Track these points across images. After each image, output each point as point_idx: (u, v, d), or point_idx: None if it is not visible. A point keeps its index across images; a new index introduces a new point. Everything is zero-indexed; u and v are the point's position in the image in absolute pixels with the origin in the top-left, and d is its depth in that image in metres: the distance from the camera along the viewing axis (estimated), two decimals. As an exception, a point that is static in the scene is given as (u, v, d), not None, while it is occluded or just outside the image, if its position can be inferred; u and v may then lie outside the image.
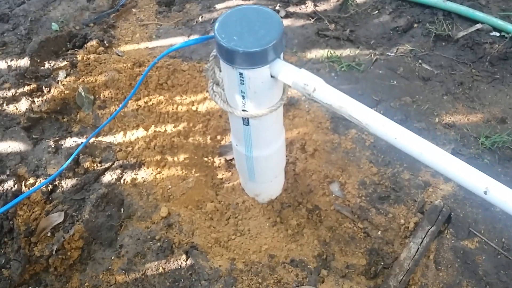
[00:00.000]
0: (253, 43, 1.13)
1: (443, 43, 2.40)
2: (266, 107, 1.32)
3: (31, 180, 1.86)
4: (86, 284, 1.63)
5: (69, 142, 2.01)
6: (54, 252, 1.65)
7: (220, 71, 1.32)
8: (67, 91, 2.09)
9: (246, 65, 1.16)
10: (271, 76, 1.23)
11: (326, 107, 1.27)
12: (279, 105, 1.35)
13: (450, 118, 2.10)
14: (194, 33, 2.51)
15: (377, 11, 2.58)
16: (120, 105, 1.65)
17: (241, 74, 1.19)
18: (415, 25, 2.49)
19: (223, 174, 1.98)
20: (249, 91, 1.25)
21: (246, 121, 1.39)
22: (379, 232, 1.75)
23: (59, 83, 2.13)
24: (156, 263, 1.64)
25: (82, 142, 1.97)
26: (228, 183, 1.94)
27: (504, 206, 1.04)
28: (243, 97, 1.28)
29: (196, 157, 1.99)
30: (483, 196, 1.05)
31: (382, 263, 1.69)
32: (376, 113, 1.14)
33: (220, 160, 2.01)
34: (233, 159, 1.93)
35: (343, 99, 1.16)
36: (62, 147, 1.99)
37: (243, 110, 1.33)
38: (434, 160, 1.08)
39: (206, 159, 2.01)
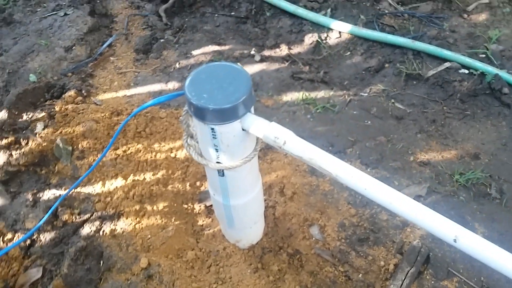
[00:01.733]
0: (223, 99, 1.16)
1: (414, 82, 2.47)
2: (240, 159, 1.34)
3: (9, 235, 1.84)
4: None
5: (48, 194, 2.00)
6: (32, 310, 1.62)
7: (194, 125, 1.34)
8: (45, 143, 2.10)
9: (217, 121, 1.19)
10: (243, 130, 1.25)
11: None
12: (253, 155, 1.37)
13: (425, 156, 2.14)
14: (171, 79, 2.55)
15: (349, 53, 2.66)
16: (97, 159, 1.66)
17: (212, 129, 1.22)
18: (387, 65, 2.57)
19: (203, 221, 1.98)
20: (222, 145, 1.27)
21: (221, 172, 1.41)
22: (360, 275, 1.76)
23: (37, 135, 2.14)
24: (136, 317, 1.62)
25: (60, 195, 1.97)
26: (209, 230, 1.93)
27: (474, 253, 1.06)
28: (217, 150, 1.30)
29: (175, 204, 1.99)
30: (453, 244, 1.07)
31: (364, 307, 1.69)
32: (345, 164, 1.17)
33: (200, 206, 2.01)
34: (212, 205, 1.94)
35: (313, 151, 1.19)
36: (41, 200, 1.98)
37: (218, 162, 1.35)
38: (403, 209, 1.11)
39: (185, 206, 2.01)
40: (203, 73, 1.24)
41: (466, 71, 2.47)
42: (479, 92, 2.37)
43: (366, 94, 2.42)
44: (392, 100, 2.38)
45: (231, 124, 1.20)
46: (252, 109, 1.27)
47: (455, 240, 1.07)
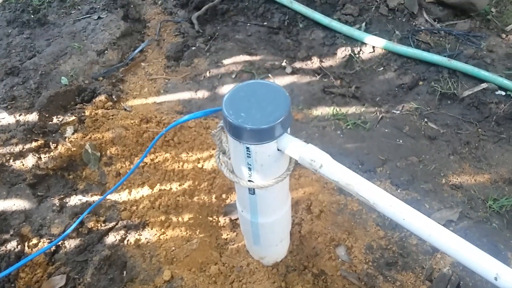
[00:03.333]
0: (261, 119, 1.14)
1: (449, 102, 2.41)
2: (272, 178, 1.31)
3: (35, 241, 1.84)
4: None
5: (74, 200, 2.01)
6: (54, 317, 1.62)
7: (227, 141, 1.32)
8: (74, 148, 2.10)
9: (254, 141, 1.16)
10: (278, 150, 1.22)
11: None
12: (286, 175, 1.34)
13: (457, 179, 2.08)
14: (201, 88, 2.54)
15: (382, 68, 2.61)
16: (129, 171, 1.65)
17: (248, 148, 1.19)
18: (420, 82, 2.51)
19: (227, 235, 1.95)
20: (255, 164, 1.25)
21: (252, 191, 1.38)
22: (387, 301, 1.71)
23: (66, 139, 2.14)
24: (157, 330, 1.60)
25: (87, 201, 1.97)
26: (233, 244, 1.91)
27: (517, 293, 1.01)
28: (250, 169, 1.28)
29: (200, 216, 1.97)
30: (494, 282, 1.03)
31: (390, 334, 1.64)
32: (384, 192, 1.13)
33: (225, 219, 1.99)
34: (237, 218, 1.91)
35: (351, 177, 1.15)
36: (67, 205, 1.98)
37: (249, 181, 1.32)
38: (443, 243, 1.06)
39: (210, 218, 1.99)
40: (241, 91, 1.21)
41: (503, 93, 2.40)
42: (515, 115, 2.30)
43: (398, 112, 2.37)
44: (425, 119, 2.32)
45: (267, 144, 1.18)
46: (289, 129, 1.24)
47: (496, 278, 1.02)
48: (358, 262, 1.80)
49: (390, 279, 1.75)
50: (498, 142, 2.23)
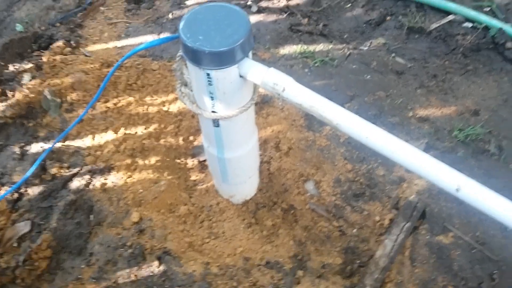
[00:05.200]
0: (220, 42, 1.09)
1: (416, 36, 2.39)
2: (236, 108, 1.28)
3: (-4, 189, 1.78)
4: (55, 295, 1.57)
5: (35, 147, 1.94)
6: (21, 263, 1.58)
7: (188, 71, 1.27)
8: (33, 95, 2.01)
9: (214, 66, 1.12)
10: (240, 76, 1.18)
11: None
12: (250, 105, 1.31)
13: (424, 112, 2.09)
14: (164, 30, 2.45)
15: (350, 4, 2.56)
16: (83, 111, 1.59)
17: (208, 75, 1.15)
18: (388, 18, 2.48)
19: (196, 176, 1.93)
20: (217, 92, 1.21)
21: (216, 123, 1.35)
22: (355, 230, 1.74)
23: (24, 86, 2.05)
24: (127, 270, 1.59)
25: (48, 148, 1.90)
26: (202, 185, 1.89)
27: (476, 203, 1.03)
28: (212, 98, 1.24)
29: (168, 159, 1.94)
30: (455, 194, 1.04)
31: (358, 262, 1.67)
32: (347, 112, 1.11)
33: (193, 161, 1.96)
34: (206, 160, 1.89)
35: (314, 98, 1.13)
36: (28, 153, 1.91)
37: (213, 112, 1.29)
38: (405, 158, 1.06)
39: (178, 161, 1.96)
40: (199, 14, 1.16)
41: (470, 25, 2.39)
42: (482, 46, 2.30)
43: (366, 48, 2.34)
44: (393, 54, 2.31)
45: (227, 69, 1.14)
46: (251, 54, 1.20)
47: (457, 190, 1.03)
48: (327, 195, 1.81)
49: (357, 209, 1.77)
50: (464, 74, 2.24)
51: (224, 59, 1.11)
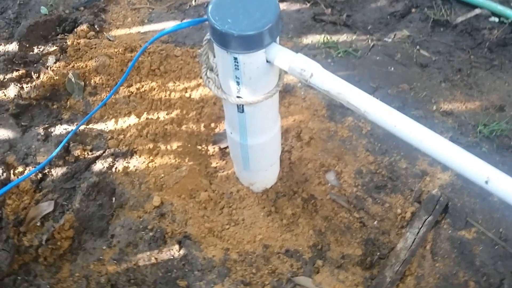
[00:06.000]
0: (248, 26, 1.09)
1: (441, 29, 2.35)
2: (261, 94, 1.28)
3: (20, 169, 1.81)
4: (76, 275, 1.59)
5: (59, 129, 1.96)
6: (43, 242, 1.61)
7: (214, 56, 1.27)
8: (57, 77, 2.04)
9: (241, 49, 1.12)
10: (267, 61, 1.18)
11: (323, 94, 1.22)
12: (275, 91, 1.31)
13: (448, 106, 2.06)
14: (187, 17, 2.45)
15: (374, -4, 2.53)
16: (110, 93, 1.60)
17: (235, 59, 1.15)
18: (413, 10, 2.44)
19: (217, 163, 1.94)
20: (244, 77, 1.21)
21: (240, 108, 1.35)
22: (375, 222, 1.73)
23: (49, 68, 2.07)
24: (148, 253, 1.61)
25: (72, 130, 1.92)
26: (222, 172, 1.90)
27: (505, 196, 1.01)
28: (238, 83, 1.24)
29: (189, 145, 1.94)
30: (484, 186, 1.02)
31: (378, 254, 1.66)
32: (375, 100, 1.11)
33: (214, 148, 1.97)
34: (227, 147, 1.89)
35: (342, 85, 1.12)
36: (52, 134, 1.94)
37: (238, 97, 1.29)
38: (434, 148, 1.05)
39: (199, 147, 1.96)
40: (228, -2, 1.15)
41: (497, 19, 2.34)
42: (508, 41, 2.26)
43: (390, 40, 2.32)
44: (417, 47, 2.28)
45: (255, 53, 1.13)
46: (278, 39, 1.20)
47: (486, 182, 1.01)
48: (348, 186, 1.80)
49: (379, 201, 1.76)
50: (490, 69, 2.20)
51: (252, 43, 1.11)
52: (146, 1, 2.56)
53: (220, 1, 1.14)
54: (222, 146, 1.96)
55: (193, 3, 2.51)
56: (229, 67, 1.18)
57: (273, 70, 1.23)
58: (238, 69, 1.18)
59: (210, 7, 1.14)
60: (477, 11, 2.35)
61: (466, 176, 1.05)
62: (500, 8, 2.33)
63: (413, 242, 1.62)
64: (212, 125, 2.02)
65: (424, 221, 1.66)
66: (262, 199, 1.81)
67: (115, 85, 1.95)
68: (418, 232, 1.64)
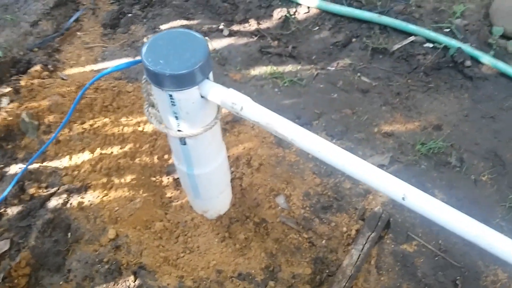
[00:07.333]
0: (179, 65, 1.18)
1: (380, 56, 2.51)
2: (200, 127, 1.36)
3: (-26, 210, 1.83)
4: (33, 312, 1.62)
5: (14, 168, 1.99)
6: (0, 281, 1.63)
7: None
8: (11, 118, 2.08)
9: (174, 87, 1.21)
10: (202, 97, 1.27)
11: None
12: (214, 123, 1.40)
13: (389, 127, 2.19)
14: (139, 54, 2.53)
15: (317, 27, 2.68)
16: (57, 130, 1.66)
17: (171, 96, 1.23)
18: (354, 39, 2.60)
19: (171, 193, 2.00)
20: (181, 112, 1.29)
21: (183, 141, 1.43)
22: (323, 241, 1.81)
23: (2, 110, 2.11)
24: (104, 285, 1.64)
25: (23, 168, 1.96)
26: (177, 202, 1.96)
27: (421, 210, 1.11)
28: (177, 118, 1.32)
29: (143, 177, 2.01)
30: (402, 202, 1.12)
31: (327, 271, 1.74)
32: (301, 128, 1.20)
33: (168, 179, 2.03)
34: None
35: (270, 116, 1.21)
36: (7, 174, 1.97)
37: (179, 130, 1.37)
38: (356, 170, 1.15)
39: (154, 178, 2.02)
40: (160, 40, 1.25)
41: (431, 45, 2.52)
42: (442, 65, 2.43)
43: (333, 68, 2.46)
44: (358, 74, 2.42)
45: (188, 90, 1.22)
46: (211, 75, 1.29)
47: (403, 198, 1.11)
48: (296, 208, 1.89)
49: (325, 221, 1.85)
50: (427, 91, 2.36)
51: (184, 81, 1.20)
52: (100, 40, 2.64)
53: (153, 43, 1.24)
54: (176, 176, 2.02)
55: (145, 40, 2.60)
56: (167, 103, 1.27)
57: (209, 104, 1.32)
58: (175, 105, 1.26)
59: (144, 49, 1.23)
60: (412, 38, 2.53)
61: (385, 193, 1.15)
62: (432, 34, 2.50)
63: (358, 258, 1.71)
64: (166, 156, 2.09)
65: (368, 237, 1.76)
66: (216, 225, 1.88)
67: (69, 123, 2.01)
68: (362, 248, 1.73)
